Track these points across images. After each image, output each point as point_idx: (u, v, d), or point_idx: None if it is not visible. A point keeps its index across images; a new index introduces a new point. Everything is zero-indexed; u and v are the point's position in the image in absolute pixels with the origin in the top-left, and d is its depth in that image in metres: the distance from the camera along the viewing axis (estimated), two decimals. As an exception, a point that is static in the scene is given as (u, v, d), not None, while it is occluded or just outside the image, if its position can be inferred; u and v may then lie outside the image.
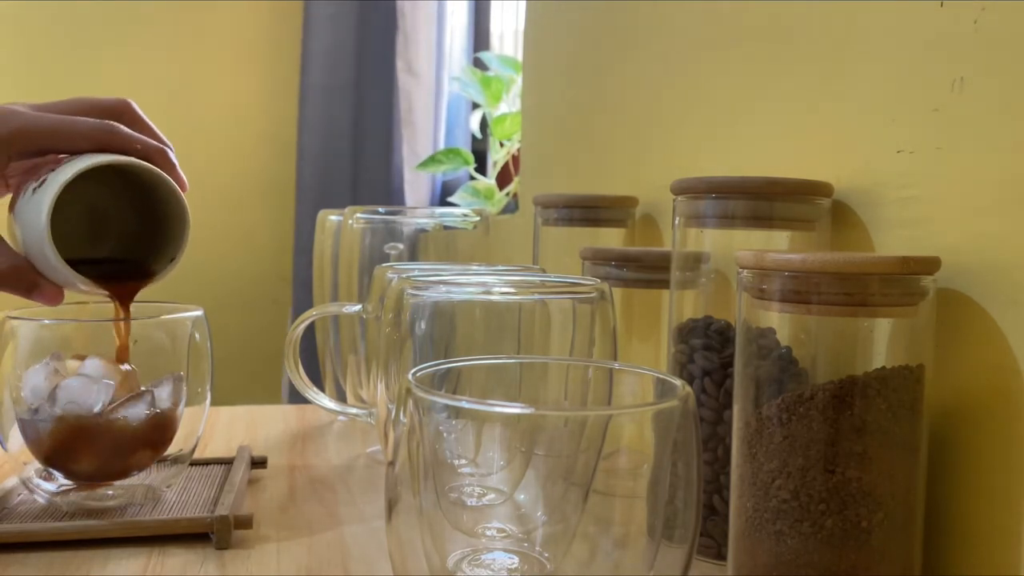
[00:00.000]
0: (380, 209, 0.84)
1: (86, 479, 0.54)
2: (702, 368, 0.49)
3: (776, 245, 0.49)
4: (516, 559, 0.38)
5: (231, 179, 2.14)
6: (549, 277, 0.60)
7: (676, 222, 0.51)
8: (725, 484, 0.47)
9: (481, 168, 1.69)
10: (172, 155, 0.53)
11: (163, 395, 0.54)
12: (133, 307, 0.54)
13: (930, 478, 0.42)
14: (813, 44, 0.54)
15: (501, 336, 0.52)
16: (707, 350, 0.49)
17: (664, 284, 0.55)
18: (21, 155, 0.52)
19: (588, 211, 0.73)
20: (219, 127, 2.15)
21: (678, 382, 0.34)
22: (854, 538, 0.39)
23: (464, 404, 0.33)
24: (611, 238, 0.72)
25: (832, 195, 0.49)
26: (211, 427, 0.76)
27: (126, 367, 0.53)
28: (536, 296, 0.54)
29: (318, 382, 0.75)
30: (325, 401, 0.69)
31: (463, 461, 0.40)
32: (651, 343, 0.65)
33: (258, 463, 0.63)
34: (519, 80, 1.42)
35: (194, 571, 0.46)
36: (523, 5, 1.31)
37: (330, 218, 0.87)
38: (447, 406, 0.34)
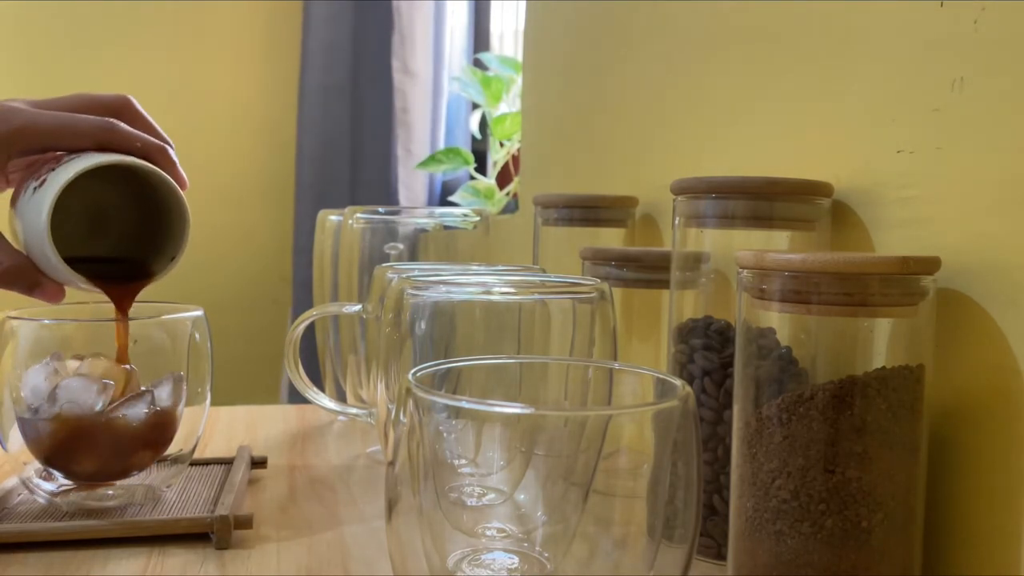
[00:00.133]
0: (380, 209, 0.84)
1: (86, 479, 0.54)
2: (702, 368, 0.49)
3: (776, 245, 0.49)
4: (516, 559, 0.38)
5: (231, 179, 2.14)
6: (549, 277, 0.60)
7: (676, 222, 0.51)
8: (725, 484, 0.47)
9: (481, 168, 1.69)
10: (172, 153, 0.53)
11: (163, 395, 0.54)
12: (133, 307, 0.54)
13: (930, 478, 0.42)
14: (813, 44, 0.54)
15: (501, 336, 0.52)
16: (707, 350, 0.49)
17: (664, 284, 0.55)
18: (22, 153, 0.52)
19: (588, 211, 0.73)
20: (219, 127, 2.15)
21: (678, 382, 0.34)
22: (854, 538, 0.39)
23: (464, 404, 0.33)
24: (611, 238, 0.72)
25: (832, 195, 0.49)
26: (211, 427, 0.76)
27: (126, 367, 0.53)
28: (536, 296, 0.54)
29: (318, 382, 0.75)
30: (325, 401, 0.69)
31: (463, 461, 0.40)
32: (651, 343, 0.65)
33: (258, 463, 0.63)
34: (519, 80, 1.42)
35: (194, 571, 0.46)
36: (523, 5, 1.31)
37: (330, 218, 0.87)
38: (447, 406, 0.34)
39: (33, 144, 0.52)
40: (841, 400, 0.39)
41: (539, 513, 0.41)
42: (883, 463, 0.39)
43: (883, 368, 0.39)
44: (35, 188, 0.50)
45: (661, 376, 0.36)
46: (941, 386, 0.42)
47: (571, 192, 0.78)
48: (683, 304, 0.51)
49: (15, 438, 0.53)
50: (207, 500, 0.55)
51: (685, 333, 0.50)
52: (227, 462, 0.62)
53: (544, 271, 0.67)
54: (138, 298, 0.54)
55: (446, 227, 0.86)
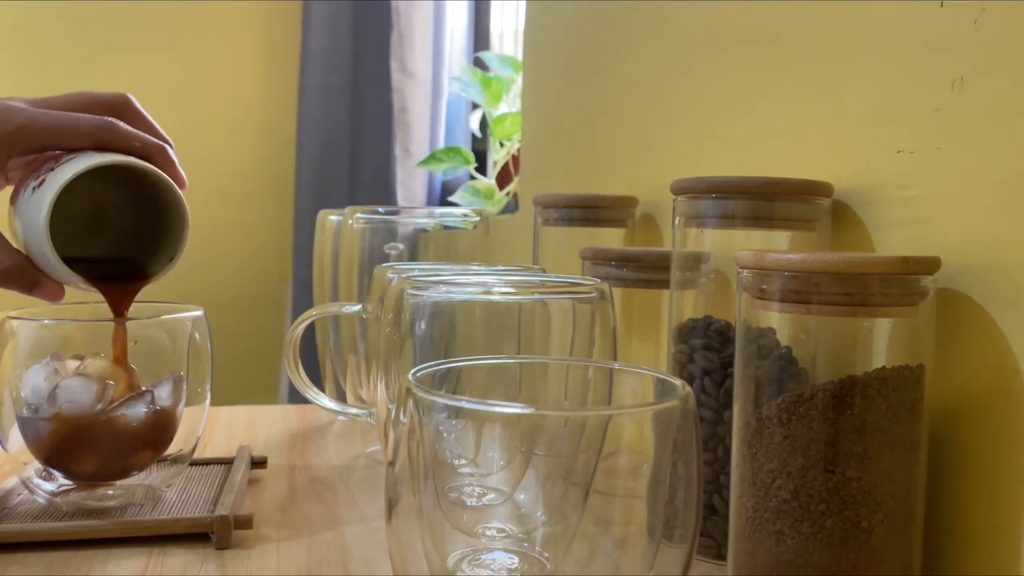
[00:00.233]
0: (380, 209, 0.84)
1: (86, 479, 0.54)
2: (702, 368, 0.49)
3: (776, 245, 0.49)
4: (516, 559, 0.38)
5: (231, 179, 2.14)
6: (549, 277, 0.60)
7: (676, 222, 0.51)
8: (725, 484, 0.47)
9: (481, 168, 1.69)
10: (171, 152, 0.53)
11: (163, 395, 0.54)
12: (133, 307, 0.54)
13: (930, 478, 0.42)
14: (813, 44, 0.54)
15: (501, 336, 0.52)
16: (707, 350, 0.49)
17: (664, 284, 0.55)
18: (22, 152, 0.52)
19: (588, 211, 0.73)
20: (219, 127, 2.15)
21: (678, 382, 0.34)
22: (854, 538, 0.39)
23: (464, 404, 0.33)
24: (611, 238, 0.72)
25: (832, 195, 0.49)
26: (211, 427, 0.76)
27: (126, 367, 0.53)
28: (536, 296, 0.54)
29: (318, 382, 0.75)
30: (325, 401, 0.69)
31: (463, 461, 0.40)
32: (651, 343, 0.65)
33: (258, 463, 0.63)
34: (519, 80, 1.43)
35: (194, 571, 0.46)
36: (523, 5, 1.31)
37: (330, 218, 0.87)
38: (447, 406, 0.34)
39: (33, 143, 0.52)
40: (841, 400, 0.39)
41: (539, 513, 0.41)
42: (883, 463, 0.39)
43: (883, 368, 0.39)
44: (34, 188, 0.50)
45: (661, 376, 0.36)
46: (941, 386, 0.42)
47: (571, 192, 0.78)
48: (683, 304, 0.51)
49: (15, 438, 0.53)
50: (207, 500, 0.55)
51: (685, 333, 0.50)
52: (227, 462, 0.62)
53: (544, 271, 0.67)
54: (138, 298, 0.55)
55: (446, 227, 0.86)
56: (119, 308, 0.54)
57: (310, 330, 0.70)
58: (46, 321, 0.54)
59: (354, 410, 0.70)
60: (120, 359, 0.53)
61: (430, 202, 1.86)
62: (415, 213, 0.89)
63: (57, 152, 0.52)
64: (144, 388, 0.53)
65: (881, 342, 0.40)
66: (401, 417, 0.33)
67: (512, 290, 0.54)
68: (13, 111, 0.51)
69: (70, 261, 0.50)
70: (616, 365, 0.41)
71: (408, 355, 0.51)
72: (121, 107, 0.54)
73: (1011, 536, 0.39)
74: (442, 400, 0.34)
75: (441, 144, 1.84)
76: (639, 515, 0.35)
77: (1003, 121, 0.40)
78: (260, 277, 2.16)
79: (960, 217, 0.42)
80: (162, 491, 0.55)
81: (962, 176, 0.42)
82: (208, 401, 0.58)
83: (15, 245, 0.53)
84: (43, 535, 0.49)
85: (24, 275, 0.51)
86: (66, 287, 0.53)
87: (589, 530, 0.38)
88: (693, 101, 0.69)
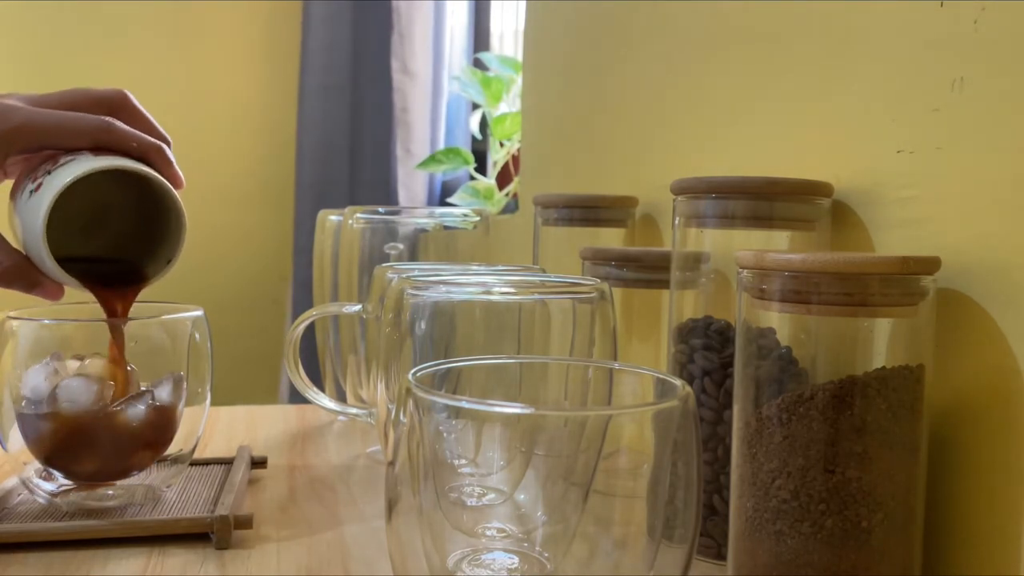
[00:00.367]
0: (380, 209, 0.84)
1: (86, 479, 0.54)
2: (702, 368, 0.49)
3: (776, 245, 0.49)
4: (516, 559, 0.38)
5: (230, 179, 2.14)
6: (549, 277, 0.60)
7: (676, 222, 0.51)
8: (725, 484, 0.47)
9: (481, 168, 1.69)
10: (169, 151, 0.53)
11: (163, 395, 0.54)
12: (134, 307, 0.54)
13: (930, 478, 0.42)
14: (813, 44, 0.54)
15: (501, 336, 0.52)
16: (707, 350, 0.49)
17: (664, 284, 0.55)
18: (20, 151, 0.52)
19: (588, 211, 0.73)
20: (219, 127, 2.15)
21: (678, 382, 0.34)
22: (854, 538, 0.39)
23: (464, 404, 0.33)
24: (611, 238, 0.72)
25: (832, 195, 0.49)
26: (211, 427, 0.76)
27: (126, 367, 0.53)
28: (536, 296, 0.54)
29: (318, 382, 0.75)
30: (325, 401, 0.69)
31: (463, 461, 0.40)
32: (651, 343, 0.65)
33: (258, 463, 0.63)
34: (519, 80, 1.42)
35: (194, 571, 0.46)
36: (523, 5, 1.31)
37: (330, 218, 0.87)
38: (447, 406, 0.34)
39: (30, 143, 0.52)
40: (841, 400, 0.39)
41: (539, 513, 0.41)
42: (883, 463, 0.39)
43: (883, 368, 0.39)
44: (31, 192, 0.50)
45: (661, 376, 0.36)
46: (941, 386, 0.42)
47: (571, 192, 0.78)
48: (683, 304, 0.51)
49: (15, 438, 0.53)
50: (207, 500, 0.55)
51: (685, 333, 0.50)
52: (227, 462, 0.62)
53: (544, 271, 0.67)
54: (139, 298, 0.54)
55: (446, 227, 0.86)
56: (116, 311, 0.54)
57: (310, 330, 0.70)
58: (46, 321, 0.54)
59: (354, 410, 0.70)
60: (119, 359, 0.53)
61: (431, 202, 1.86)
62: (415, 213, 0.89)
63: (54, 152, 0.52)
64: (144, 388, 0.53)
65: (881, 342, 0.40)
66: (401, 417, 0.33)
67: (512, 290, 0.54)
68: (11, 110, 0.51)
69: (69, 261, 0.50)
70: (616, 365, 0.41)
71: (408, 355, 0.51)
72: (119, 104, 0.54)
73: (1011, 536, 0.39)
74: (442, 400, 0.34)
75: (441, 144, 1.84)
76: (639, 515, 0.35)
77: (1003, 121, 0.40)
78: (260, 277, 2.16)
79: (960, 217, 0.42)
80: (162, 491, 0.55)
81: (962, 176, 0.42)
82: (208, 401, 0.58)
83: (15, 242, 0.53)
84: (43, 535, 0.49)
85: (24, 275, 0.51)
86: (65, 286, 0.53)
87: (589, 530, 0.38)
88: (693, 101, 0.69)
